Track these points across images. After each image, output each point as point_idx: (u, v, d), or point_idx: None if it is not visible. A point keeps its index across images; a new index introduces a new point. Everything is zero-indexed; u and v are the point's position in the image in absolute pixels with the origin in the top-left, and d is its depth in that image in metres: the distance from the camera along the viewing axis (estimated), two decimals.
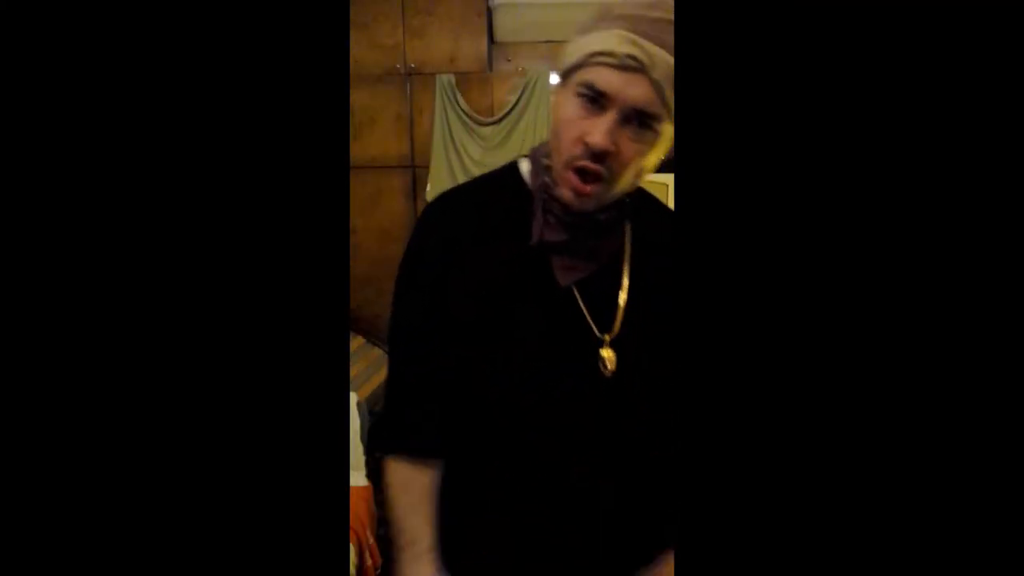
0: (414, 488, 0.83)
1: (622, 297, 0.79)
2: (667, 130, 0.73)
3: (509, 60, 3.08)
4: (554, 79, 3.00)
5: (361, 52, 3.04)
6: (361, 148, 3.10)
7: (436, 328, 0.80)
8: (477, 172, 2.99)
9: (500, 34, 3.10)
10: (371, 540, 1.64)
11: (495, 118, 3.02)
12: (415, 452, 0.84)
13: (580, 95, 0.71)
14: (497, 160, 2.92)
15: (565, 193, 0.75)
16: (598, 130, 0.70)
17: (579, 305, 0.78)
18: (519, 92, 3.00)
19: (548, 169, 0.78)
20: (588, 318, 0.78)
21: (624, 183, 0.74)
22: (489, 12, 3.06)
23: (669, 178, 3.05)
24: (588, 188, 0.73)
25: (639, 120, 0.71)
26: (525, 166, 0.84)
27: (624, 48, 0.68)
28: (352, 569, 1.53)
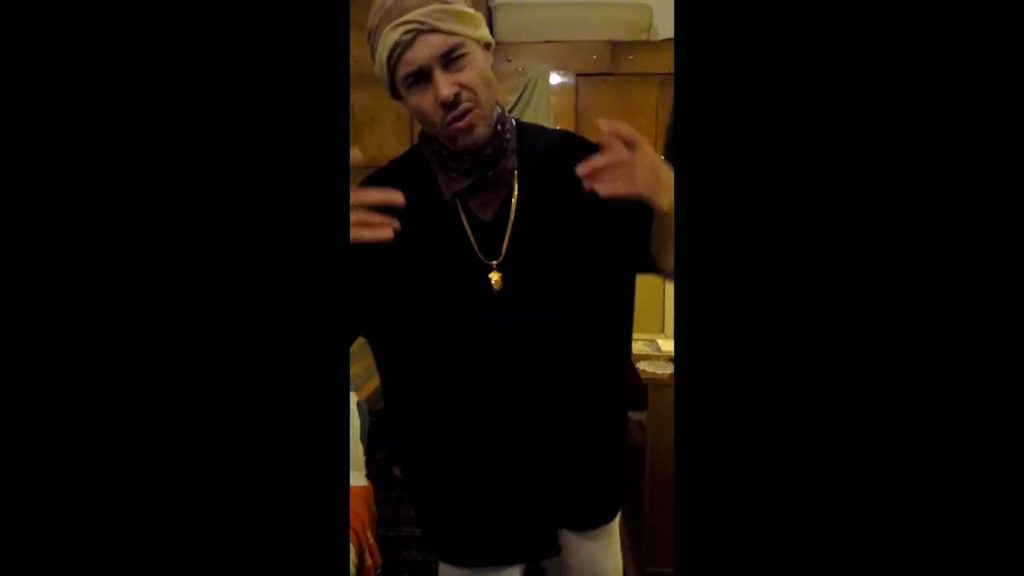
0: None
1: (508, 226, 0.96)
2: (472, 43, 0.89)
3: (509, 60, 3.07)
4: (555, 78, 3.00)
5: (362, 52, 3.04)
6: (361, 148, 3.08)
7: (366, 280, 0.94)
8: None
9: (500, 34, 3.09)
10: (371, 540, 1.64)
11: None
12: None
13: (411, 86, 0.88)
14: None
15: (460, 140, 0.90)
16: (440, 89, 0.86)
17: (470, 241, 0.95)
18: (519, 92, 3.00)
19: (433, 144, 0.95)
20: (475, 248, 0.95)
21: (485, 97, 0.90)
22: (489, 12, 3.06)
23: None
24: (466, 121, 0.88)
25: (452, 56, 0.86)
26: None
27: (398, 33, 0.84)
28: (352, 569, 1.53)
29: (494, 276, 0.95)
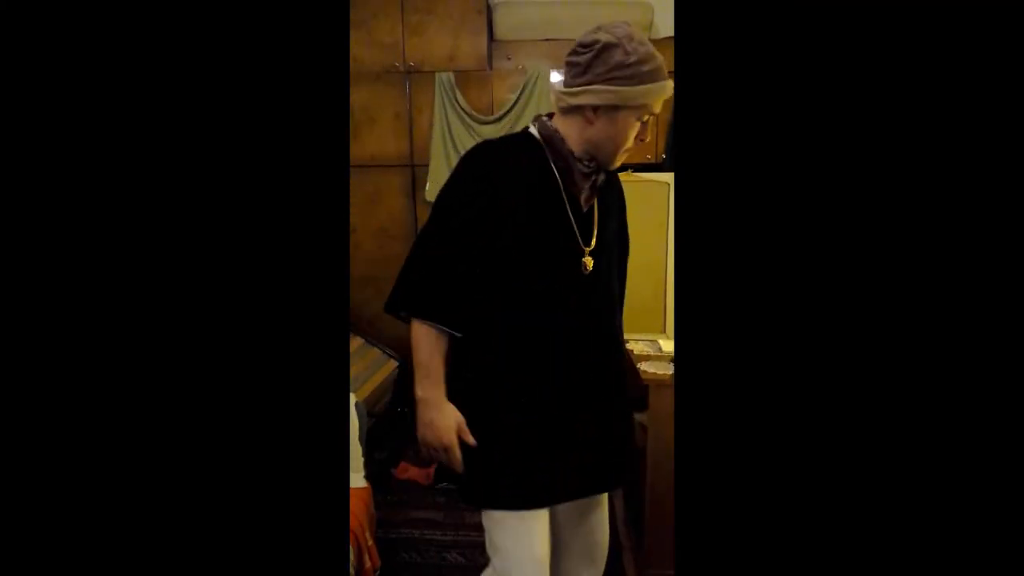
0: (432, 341, 1.17)
1: (595, 223, 1.21)
2: None
3: (509, 58, 3.07)
4: (555, 76, 2.99)
5: (360, 50, 3.03)
6: (360, 147, 3.09)
7: (468, 234, 1.15)
8: None
9: (500, 32, 3.09)
10: (370, 542, 1.63)
11: (495, 116, 3.01)
12: (433, 322, 1.17)
13: (641, 119, 1.16)
14: None
15: (614, 160, 1.20)
16: (647, 133, 1.18)
17: (574, 228, 1.18)
18: (519, 90, 3.00)
19: (567, 146, 1.18)
20: (578, 237, 1.19)
21: None
22: (489, 10, 3.05)
23: (669, 177, 3.05)
24: (626, 155, 1.20)
25: None
26: (534, 130, 1.23)
27: (668, 92, 1.13)
28: (351, 570, 1.52)
29: (587, 259, 1.19)
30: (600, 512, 1.33)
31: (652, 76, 1.12)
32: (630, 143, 1.17)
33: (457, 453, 1.15)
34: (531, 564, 1.17)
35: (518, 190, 1.16)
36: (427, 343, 1.17)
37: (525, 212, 1.16)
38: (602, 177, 1.21)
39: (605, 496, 1.34)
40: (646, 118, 1.16)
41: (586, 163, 1.18)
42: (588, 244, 1.19)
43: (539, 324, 1.16)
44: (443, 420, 1.15)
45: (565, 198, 1.19)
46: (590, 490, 1.26)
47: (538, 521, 1.19)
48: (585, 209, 1.21)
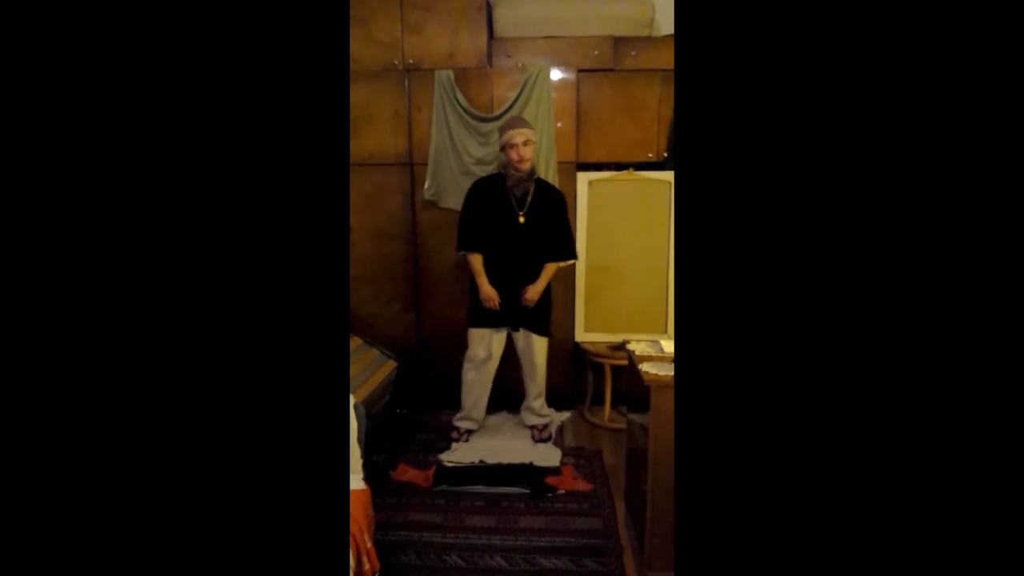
0: (479, 259, 2.83)
1: (527, 202, 2.79)
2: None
3: (509, 55, 3.05)
4: (556, 74, 2.98)
5: (359, 48, 3.02)
6: (359, 145, 3.07)
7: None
8: (476, 169, 2.98)
9: (500, 29, 3.07)
10: (369, 544, 1.62)
11: (495, 114, 3.00)
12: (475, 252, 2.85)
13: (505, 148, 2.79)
14: (496, 157, 2.90)
15: (522, 171, 2.77)
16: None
17: (515, 208, 2.79)
18: (519, 87, 2.98)
19: (509, 169, 2.79)
20: (515, 207, 2.78)
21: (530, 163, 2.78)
22: (488, 7, 3.04)
23: (669, 175, 3.05)
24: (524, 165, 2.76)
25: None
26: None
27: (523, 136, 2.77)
28: (350, 573, 1.51)
29: (521, 217, 2.74)
30: (532, 345, 2.90)
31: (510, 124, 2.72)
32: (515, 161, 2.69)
33: (496, 300, 2.78)
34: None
35: (491, 194, 2.82)
36: (477, 260, 2.78)
37: (494, 201, 2.78)
38: (529, 185, 2.77)
39: (536, 338, 2.90)
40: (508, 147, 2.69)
41: (514, 172, 2.74)
42: (522, 211, 2.75)
43: (498, 245, 2.80)
44: (490, 289, 2.76)
45: (512, 193, 2.76)
46: (517, 327, 2.88)
47: (493, 336, 2.89)
48: (520, 196, 2.76)
